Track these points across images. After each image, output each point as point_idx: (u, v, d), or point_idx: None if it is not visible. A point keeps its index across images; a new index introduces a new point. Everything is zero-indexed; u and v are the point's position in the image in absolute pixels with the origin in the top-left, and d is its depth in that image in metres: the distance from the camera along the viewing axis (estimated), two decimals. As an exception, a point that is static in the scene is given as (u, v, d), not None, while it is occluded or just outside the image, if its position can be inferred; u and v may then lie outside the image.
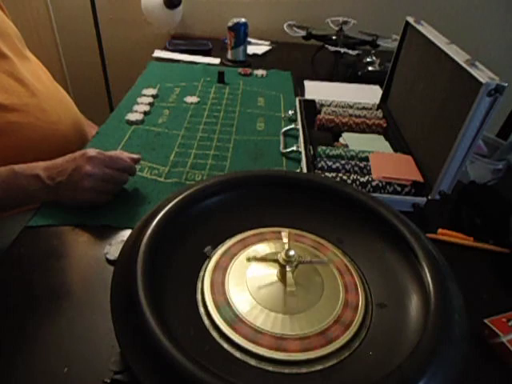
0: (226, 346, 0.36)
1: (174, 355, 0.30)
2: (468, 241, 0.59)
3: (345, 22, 1.27)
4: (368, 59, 1.19)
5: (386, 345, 0.37)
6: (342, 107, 0.87)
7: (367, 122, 0.81)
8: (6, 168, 0.55)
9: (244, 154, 0.76)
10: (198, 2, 1.42)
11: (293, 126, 0.83)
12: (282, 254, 0.42)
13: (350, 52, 1.19)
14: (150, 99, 0.91)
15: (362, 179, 0.64)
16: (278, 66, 1.18)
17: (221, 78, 1.04)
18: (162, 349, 0.30)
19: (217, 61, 1.20)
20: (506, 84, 0.51)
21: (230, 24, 1.13)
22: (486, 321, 0.45)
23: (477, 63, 0.56)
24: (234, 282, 0.42)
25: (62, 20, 1.50)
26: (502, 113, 1.18)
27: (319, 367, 0.35)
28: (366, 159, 0.70)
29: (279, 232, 0.49)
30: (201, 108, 0.91)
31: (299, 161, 0.72)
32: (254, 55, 1.28)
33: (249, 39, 1.22)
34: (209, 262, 0.44)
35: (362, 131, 0.81)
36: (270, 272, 0.44)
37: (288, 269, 0.42)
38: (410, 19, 0.78)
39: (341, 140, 0.78)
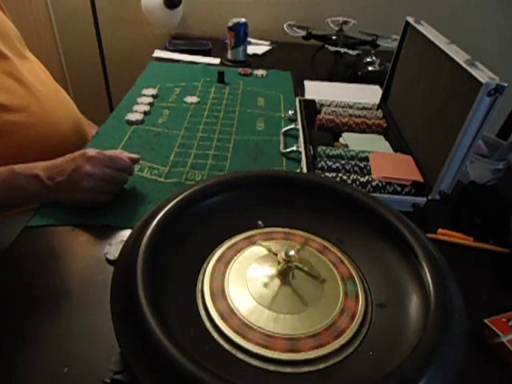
0: (226, 346, 0.36)
1: (174, 355, 0.30)
2: (468, 241, 0.59)
3: (345, 22, 1.27)
4: (368, 59, 1.19)
5: (386, 345, 0.37)
6: (342, 107, 0.87)
7: (367, 121, 0.81)
8: (5, 168, 0.55)
9: (244, 153, 0.76)
10: (198, 1, 1.42)
11: (293, 126, 0.83)
12: (282, 254, 0.42)
13: (350, 52, 1.19)
14: (150, 99, 0.91)
15: (362, 179, 0.64)
16: (278, 66, 1.18)
17: (221, 77, 1.04)
18: (162, 349, 0.30)
19: (217, 61, 1.20)
20: (506, 84, 0.51)
21: (230, 24, 1.13)
22: (485, 321, 0.45)
23: (477, 63, 0.56)
24: (234, 282, 0.42)
25: (61, 20, 1.51)
26: (502, 113, 1.18)
27: (319, 367, 0.35)
28: (366, 159, 0.70)
29: (279, 232, 0.49)
30: (201, 108, 0.91)
31: (299, 161, 0.72)
32: (254, 55, 1.28)
33: (249, 39, 1.22)
34: (208, 262, 0.44)
35: (362, 131, 0.81)
36: (270, 272, 0.44)
37: (288, 269, 0.42)
38: (410, 19, 0.78)
39: (341, 140, 0.78)
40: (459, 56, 0.60)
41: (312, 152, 0.71)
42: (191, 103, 0.92)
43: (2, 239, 0.56)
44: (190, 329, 0.37)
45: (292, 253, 0.41)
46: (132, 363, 0.31)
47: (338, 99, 0.89)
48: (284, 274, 0.42)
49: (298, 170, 0.69)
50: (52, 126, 0.72)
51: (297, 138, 0.79)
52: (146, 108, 0.87)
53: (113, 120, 0.83)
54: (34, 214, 0.57)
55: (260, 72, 1.13)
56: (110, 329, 0.34)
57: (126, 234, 0.55)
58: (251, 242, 0.47)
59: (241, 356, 0.36)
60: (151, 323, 0.32)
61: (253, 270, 0.44)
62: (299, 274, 0.43)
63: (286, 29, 1.29)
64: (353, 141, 0.77)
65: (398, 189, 0.63)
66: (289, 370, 0.35)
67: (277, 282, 0.43)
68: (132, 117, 0.82)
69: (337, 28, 1.26)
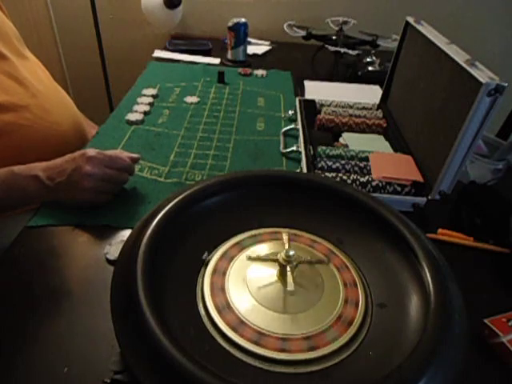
0: (225, 345, 0.36)
1: (174, 355, 0.30)
2: (468, 241, 0.59)
3: (345, 22, 1.27)
4: (368, 59, 1.19)
5: (386, 345, 0.37)
6: (342, 107, 0.87)
7: (367, 121, 0.81)
8: (5, 169, 0.55)
9: (244, 153, 0.76)
10: (198, 1, 1.42)
11: (293, 126, 0.83)
12: (282, 254, 0.42)
13: (350, 52, 1.19)
14: (150, 99, 0.91)
15: (362, 179, 0.64)
16: (278, 66, 1.18)
17: (221, 77, 1.04)
18: (162, 349, 0.30)
19: (217, 61, 1.20)
20: (506, 84, 0.51)
21: (230, 24, 1.13)
22: (485, 321, 0.45)
23: (477, 63, 0.56)
24: (234, 282, 0.42)
25: (61, 20, 1.50)
26: (501, 113, 1.18)
27: (319, 367, 0.35)
28: (366, 159, 0.70)
29: (279, 232, 0.49)
30: (201, 108, 0.91)
31: (299, 161, 0.72)
32: (254, 55, 1.28)
33: (249, 39, 1.22)
34: (209, 262, 0.44)
35: (362, 131, 0.81)
36: (270, 272, 0.44)
37: (288, 269, 0.42)
38: (410, 19, 0.78)
39: (341, 140, 0.78)
40: (459, 56, 0.60)
41: (312, 152, 0.71)
42: (191, 103, 0.92)
43: (2, 239, 0.56)
44: (189, 329, 0.37)
45: (292, 253, 0.41)
46: (132, 363, 0.31)
47: (338, 99, 0.89)
48: (284, 274, 0.42)
49: (298, 170, 0.69)
50: (52, 126, 0.72)
51: (297, 137, 0.79)
52: (146, 108, 0.87)
53: (113, 120, 0.83)
54: (34, 214, 0.57)
55: (260, 72, 1.13)
56: (110, 329, 0.34)
57: (126, 234, 0.55)
58: (251, 242, 0.47)
59: (241, 356, 0.36)
60: (151, 323, 0.32)
61: (253, 269, 0.44)
62: (299, 274, 0.43)
63: (285, 29, 1.28)
64: (353, 141, 0.77)
65: (398, 189, 0.63)
66: (288, 370, 0.35)
67: (277, 281, 0.43)
68: (132, 117, 0.82)
69: (337, 28, 1.26)
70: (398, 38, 0.83)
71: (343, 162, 0.68)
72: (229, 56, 1.19)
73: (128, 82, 0.99)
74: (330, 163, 0.68)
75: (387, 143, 0.78)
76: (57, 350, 0.40)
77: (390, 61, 0.87)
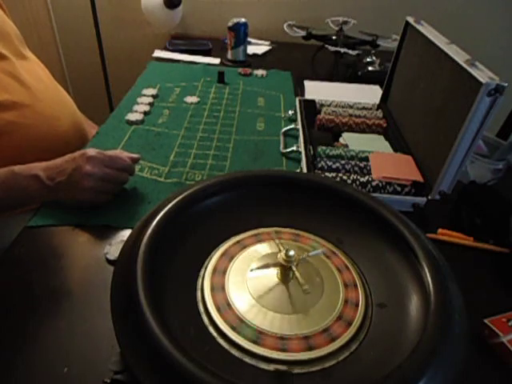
0: (226, 345, 0.36)
1: (174, 355, 0.30)
2: (468, 241, 0.59)
3: (345, 22, 1.27)
4: (368, 59, 1.19)
5: (386, 345, 0.37)
6: (342, 107, 0.87)
7: (367, 121, 0.81)
8: (5, 169, 0.55)
9: (244, 153, 0.76)
10: (198, 1, 1.42)
11: (293, 126, 0.83)
12: (282, 254, 0.42)
13: (350, 52, 1.19)
14: (150, 99, 0.91)
15: (362, 179, 0.64)
16: (277, 66, 1.18)
17: (221, 77, 1.04)
18: (162, 349, 0.30)
19: (217, 61, 1.20)
20: (506, 84, 0.51)
21: (230, 24, 1.13)
22: (485, 321, 0.45)
23: (477, 63, 0.56)
24: (234, 282, 0.42)
25: (61, 20, 1.50)
26: (502, 113, 1.18)
27: (319, 367, 0.35)
28: (366, 159, 0.70)
29: (279, 232, 0.49)
30: (201, 108, 0.91)
31: (299, 161, 0.72)
32: (254, 55, 1.28)
33: (249, 39, 1.22)
34: (209, 262, 0.44)
35: (362, 131, 0.81)
36: (270, 272, 0.44)
37: (294, 269, 0.42)
38: (410, 19, 0.78)
39: (341, 140, 0.78)
40: (459, 56, 0.60)
41: (312, 152, 0.71)
42: (191, 103, 0.92)
43: (2, 239, 0.56)
44: (190, 329, 0.37)
45: (292, 253, 0.41)
46: (132, 363, 0.31)
47: (338, 99, 0.89)
48: (284, 274, 0.42)
49: (298, 170, 0.69)
50: (52, 125, 0.72)
51: (297, 137, 0.79)
52: (146, 108, 0.87)
53: (113, 120, 0.83)
54: (34, 214, 0.57)
55: (260, 72, 1.13)
56: (110, 329, 0.34)
57: (126, 233, 0.55)
58: (251, 242, 0.47)
59: (241, 356, 0.36)
60: (151, 323, 0.32)
61: (253, 269, 0.44)
62: (299, 274, 0.43)
63: (285, 29, 1.28)
64: (353, 141, 0.77)
65: (398, 189, 0.63)
66: (287, 370, 0.35)
67: (277, 281, 0.43)
68: (132, 117, 0.82)
69: (337, 28, 1.26)
70: (398, 37, 0.83)
71: (343, 161, 0.68)
72: (229, 56, 1.19)
73: (128, 82, 0.99)
74: (329, 163, 0.68)
75: (387, 143, 0.78)
76: (57, 350, 0.40)
77: (389, 61, 0.87)
